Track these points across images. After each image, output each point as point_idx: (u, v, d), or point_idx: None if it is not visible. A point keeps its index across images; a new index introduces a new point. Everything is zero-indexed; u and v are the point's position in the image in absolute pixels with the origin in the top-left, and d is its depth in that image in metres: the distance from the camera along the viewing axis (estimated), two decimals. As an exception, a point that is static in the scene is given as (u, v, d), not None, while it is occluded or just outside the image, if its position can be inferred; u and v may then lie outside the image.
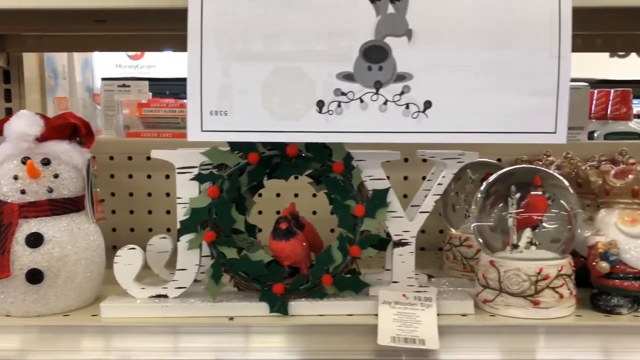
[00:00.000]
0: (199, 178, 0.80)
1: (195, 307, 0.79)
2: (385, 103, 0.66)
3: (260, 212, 1.08)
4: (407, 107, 0.66)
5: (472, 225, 0.85)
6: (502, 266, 0.80)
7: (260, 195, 1.18)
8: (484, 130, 0.67)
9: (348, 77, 0.65)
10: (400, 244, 0.82)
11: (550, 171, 0.84)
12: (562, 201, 0.82)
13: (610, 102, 1.49)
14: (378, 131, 0.67)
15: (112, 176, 1.22)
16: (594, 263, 0.80)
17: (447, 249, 1.05)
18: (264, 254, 0.81)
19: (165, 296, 0.81)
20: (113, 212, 1.21)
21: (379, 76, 0.66)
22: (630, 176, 0.79)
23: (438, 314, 0.79)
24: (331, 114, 0.66)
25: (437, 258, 1.18)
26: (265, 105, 0.66)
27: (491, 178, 0.85)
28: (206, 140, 0.66)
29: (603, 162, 0.91)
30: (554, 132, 0.67)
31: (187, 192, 0.80)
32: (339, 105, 0.66)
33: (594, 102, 1.56)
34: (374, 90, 0.66)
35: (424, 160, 1.17)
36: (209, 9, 0.64)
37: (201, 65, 0.65)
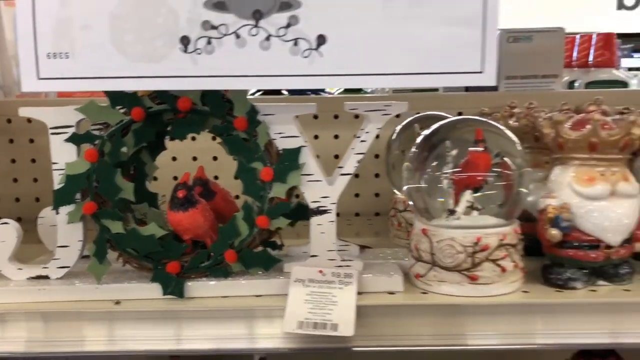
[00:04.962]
0: (74, 139, 0.68)
1: (77, 289, 0.68)
2: (267, 38, 0.53)
3: (176, 179, 0.95)
4: (296, 44, 0.53)
5: (404, 188, 0.73)
6: (435, 235, 0.68)
7: (174, 159, 1.06)
8: (394, 71, 0.54)
9: (219, 5, 0.52)
10: (318, 211, 0.70)
11: (495, 123, 0.71)
12: (507, 158, 0.69)
13: (592, 48, 1.34)
14: (260, 75, 0.54)
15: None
16: (543, 230, 0.68)
17: (392, 214, 0.93)
18: (156, 227, 0.69)
19: (47, 277, 0.70)
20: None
21: (258, 4, 0.52)
22: (587, 126, 0.66)
23: (360, 293, 0.68)
24: (200, 54, 0.53)
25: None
26: (115, 44, 0.53)
27: (426, 132, 0.72)
28: (44, 90, 0.53)
29: (564, 112, 0.78)
30: (481, 72, 0.54)
31: (64, 156, 0.68)
32: (209, 42, 0.53)
33: (575, 48, 1.41)
34: (253, 22, 0.53)
35: (356, 117, 1.06)
36: None
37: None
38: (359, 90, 1.36)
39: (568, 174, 0.68)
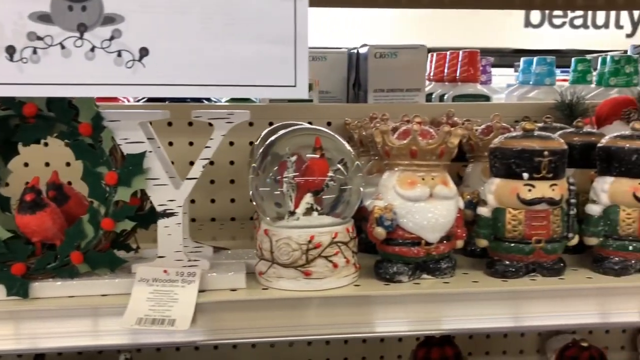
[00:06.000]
0: None
1: None
2: (92, 50, 0.57)
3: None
4: (120, 55, 0.57)
5: (250, 191, 0.78)
6: (275, 235, 0.73)
7: (26, 165, 1.07)
8: (214, 82, 0.58)
9: (44, 18, 0.55)
10: (165, 214, 0.74)
11: (331, 132, 0.78)
12: (339, 164, 0.76)
13: (459, 64, 1.46)
14: (85, 83, 0.57)
15: None
16: (371, 228, 0.74)
17: (255, 217, 0.97)
18: (1, 229, 0.70)
19: None
20: None
21: (83, 18, 0.56)
22: (409, 136, 0.74)
23: (204, 290, 0.72)
24: (26, 63, 0.56)
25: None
26: (-61, 52, 0.55)
27: (271, 139, 0.78)
28: None
29: (403, 122, 0.85)
30: (294, 86, 0.59)
31: None
32: (34, 52, 0.56)
33: (446, 64, 1.52)
34: (78, 35, 0.56)
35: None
36: None
37: None
38: (247, 100, 1.40)
39: (393, 178, 0.75)
